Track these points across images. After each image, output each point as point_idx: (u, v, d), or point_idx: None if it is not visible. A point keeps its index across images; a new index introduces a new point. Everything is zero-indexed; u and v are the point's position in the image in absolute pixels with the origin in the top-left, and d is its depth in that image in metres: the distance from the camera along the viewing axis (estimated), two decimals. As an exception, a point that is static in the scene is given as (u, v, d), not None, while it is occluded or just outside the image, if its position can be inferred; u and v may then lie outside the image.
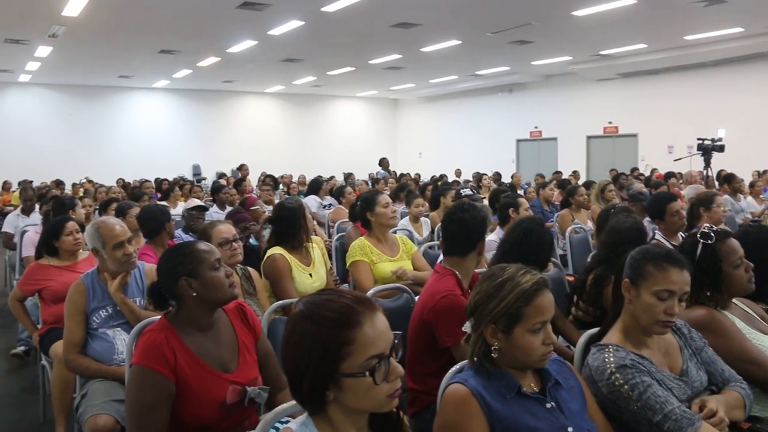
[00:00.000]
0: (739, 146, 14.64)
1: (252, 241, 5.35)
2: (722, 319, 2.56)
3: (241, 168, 15.17)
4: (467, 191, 6.50)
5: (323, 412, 1.49)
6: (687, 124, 16.91)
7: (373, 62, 17.97)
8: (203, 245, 2.43)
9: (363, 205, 4.47)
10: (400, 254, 4.32)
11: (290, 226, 4.10)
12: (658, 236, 4.60)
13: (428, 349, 2.79)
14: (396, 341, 1.49)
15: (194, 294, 2.29)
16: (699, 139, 10.09)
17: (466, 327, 1.98)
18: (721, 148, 9.89)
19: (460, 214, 3.14)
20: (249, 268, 3.88)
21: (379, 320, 1.47)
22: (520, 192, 9.56)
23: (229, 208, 7.40)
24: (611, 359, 2.13)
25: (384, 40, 14.91)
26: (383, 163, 16.38)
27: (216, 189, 8.87)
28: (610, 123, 20.22)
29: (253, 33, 13.96)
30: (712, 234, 2.67)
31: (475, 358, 1.94)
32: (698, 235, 2.69)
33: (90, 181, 16.29)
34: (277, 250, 4.04)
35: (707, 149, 9.90)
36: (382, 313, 1.50)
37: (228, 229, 3.61)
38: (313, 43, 14.99)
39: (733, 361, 2.39)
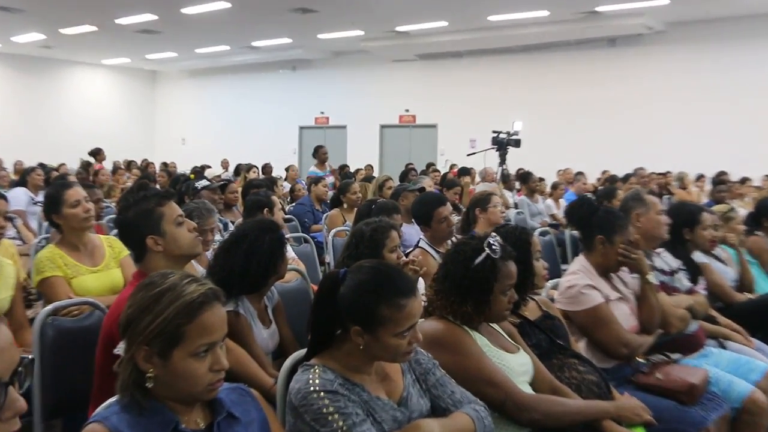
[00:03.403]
0: (541, 142, 15.73)
1: None
2: (461, 334, 2.66)
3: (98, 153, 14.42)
4: (203, 183, 6.41)
5: None
6: (491, 115, 17.84)
7: (121, 22, 17.20)
8: None
9: (46, 205, 4.12)
10: (105, 261, 4.04)
11: None
12: (423, 244, 4.71)
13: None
14: (21, 368, 1.37)
15: None
16: (494, 132, 10.62)
17: (119, 349, 1.87)
18: (516, 143, 10.48)
19: (121, 215, 3.08)
20: None
21: (3, 333, 1.36)
22: (285, 185, 9.56)
23: None
24: (317, 381, 2.11)
25: (133, -6, 14.40)
26: None
27: None
28: (407, 111, 21.00)
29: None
30: (499, 249, 2.71)
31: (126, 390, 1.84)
32: (485, 243, 2.72)
33: None
34: None
35: (502, 143, 10.46)
36: (8, 327, 1.40)
37: None
38: (36, -11, 14.08)
39: (469, 382, 2.49)
